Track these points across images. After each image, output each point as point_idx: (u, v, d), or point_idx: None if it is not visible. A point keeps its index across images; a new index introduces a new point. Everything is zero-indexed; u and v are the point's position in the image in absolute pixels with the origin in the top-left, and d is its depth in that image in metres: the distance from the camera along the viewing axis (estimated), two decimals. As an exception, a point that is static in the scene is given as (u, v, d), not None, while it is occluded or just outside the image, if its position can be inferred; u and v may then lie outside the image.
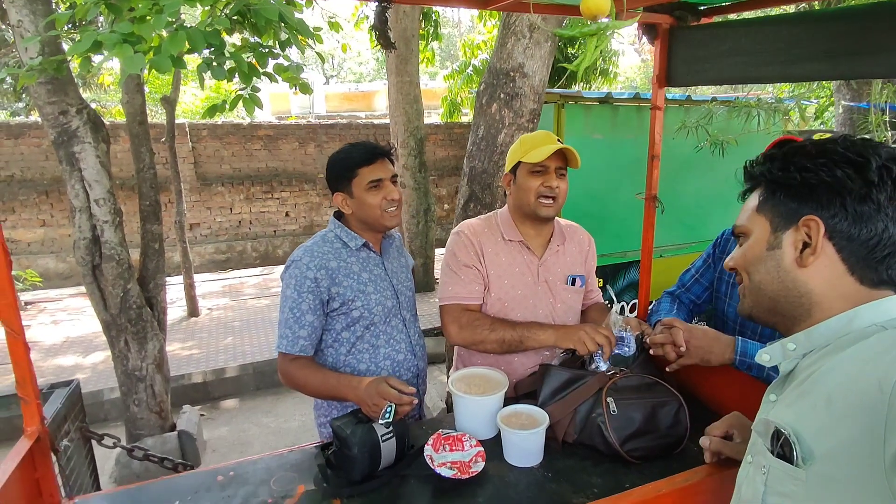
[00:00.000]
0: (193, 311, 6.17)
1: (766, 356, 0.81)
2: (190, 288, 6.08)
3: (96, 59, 2.55)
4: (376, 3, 1.50)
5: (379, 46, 7.42)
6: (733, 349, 1.43)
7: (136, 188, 3.54)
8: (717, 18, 1.74)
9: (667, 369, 1.50)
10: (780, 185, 0.79)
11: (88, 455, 2.08)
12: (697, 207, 4.26)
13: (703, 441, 1.16)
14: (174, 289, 6.58)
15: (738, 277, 0.86)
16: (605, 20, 0.76)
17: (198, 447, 3.56)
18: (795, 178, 0.76)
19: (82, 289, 7.08)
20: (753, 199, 0.83)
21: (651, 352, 1.50)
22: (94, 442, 2.06)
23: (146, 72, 3.37)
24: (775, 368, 1.37)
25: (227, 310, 6.48)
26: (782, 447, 0.72)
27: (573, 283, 1.79)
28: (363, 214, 1.65)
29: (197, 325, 5.96)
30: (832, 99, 5.87)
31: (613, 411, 1.42)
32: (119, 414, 3.90)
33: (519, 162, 1.67)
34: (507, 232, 1.74)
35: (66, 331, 5.88)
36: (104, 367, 4.77)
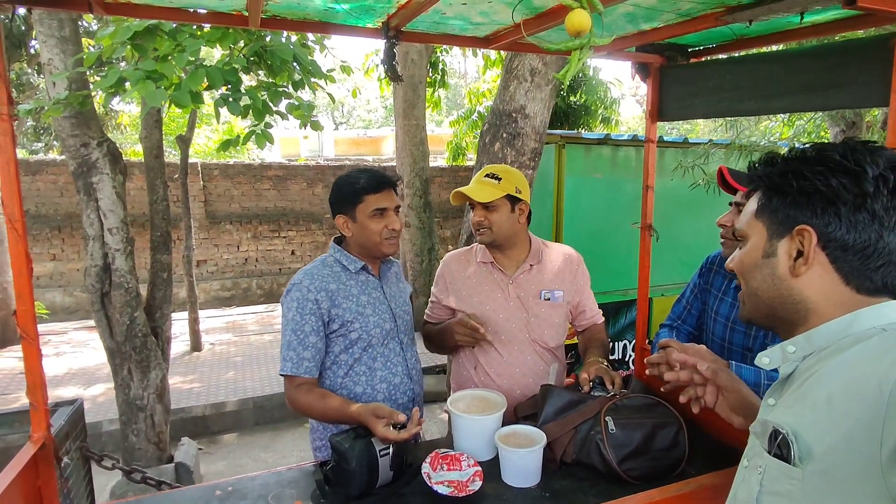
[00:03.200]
0: (196, 345, 6.18)
1: (765, 359, 0.81)
2: (194, 323, 6.11)
3: (118, 97, 2.70)
4: (385, 40, 1.62)
5: (387, 90, 7.64)
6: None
7: (149, 220, 3.65)
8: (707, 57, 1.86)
9: (661, 389, 1.51)
10: (777, 191, 0.78)
11: (87, 476, 2.07)
12: (697, 246, 4.32)
13: (693, 405, 1.16)
14: (178, 323, 6.60)
15: (737, 282, 0.87)
16: (587, 36, 0.84)
17: (194, 480, 3.51)
18: (792, 185, 0.75)
19: (88, 322, 7.12)
20: (753, 203, 0.83)
21: (647, 372, 1.52)
22: (92, 464, 2.06)
23: (166, 108, 3.54)
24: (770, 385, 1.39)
25: (229, 345, 6.48)
26: (779, 447, 0.71)
27: (547, 299, 1.87)
28: (363, 239, 1.69)
29: (199, 359, 5.95)
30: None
31: (612, 430, 1.43)
32: (117, 446, 3.87)
33: None
34: (481, 255, 1.92)
35: (68, 363, 5.88)
36: (104, 399, 4.75)
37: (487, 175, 1.81)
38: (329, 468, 1.45)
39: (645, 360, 1.56)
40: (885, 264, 0.72)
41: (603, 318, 2.01)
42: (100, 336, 3.25)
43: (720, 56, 1.79)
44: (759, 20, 1.30)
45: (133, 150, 11.03)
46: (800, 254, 0.75)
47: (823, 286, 0.75)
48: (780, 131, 5.90)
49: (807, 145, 0.80)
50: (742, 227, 0.85)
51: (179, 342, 6.28)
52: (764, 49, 1.93)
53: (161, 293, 3.53)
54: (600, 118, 9.85)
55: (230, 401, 4.78)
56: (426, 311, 2.06)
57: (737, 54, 1.73)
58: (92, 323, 3.29)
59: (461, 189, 1.79)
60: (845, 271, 0.73)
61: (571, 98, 9.13)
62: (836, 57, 1.34)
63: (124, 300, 3.15)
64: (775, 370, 1.46)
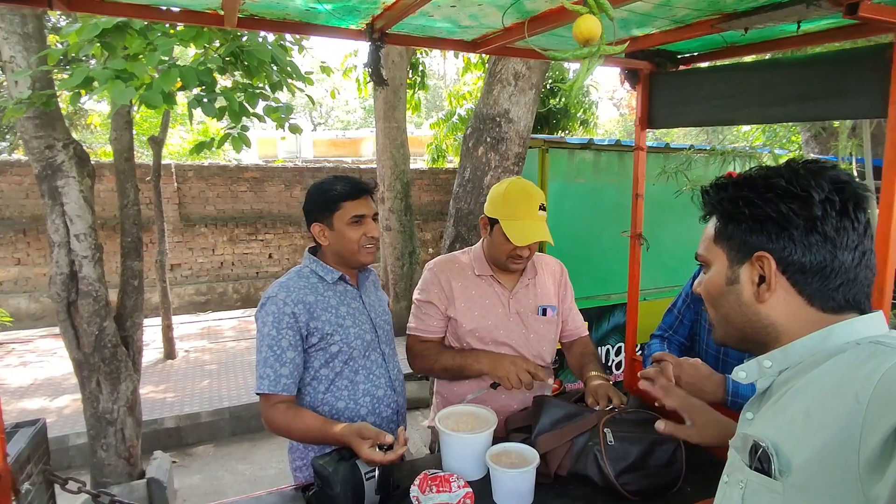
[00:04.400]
0: (170, 353, 5.99)
1: (742, 373, 0.82)
2: (167, 329, 5.92)
3: (87, 96, 2.57)
4: (369, 43, 1.55)
5: (366, 93, 7.56)
6: (725, 388, 1.41)
7: (119, 225, 3.51)
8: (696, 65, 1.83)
9: (655, 404, 1.48)
10: (730, 218, 0.79)
11: (50, 501, 1.95)
12: (679, 251, 4.34)
13: (659, 426, 1.21)
14: (151, 330, 6.40)
15: (705, 306, 0.87)
16: (595, 45, 0.79)
17: (168, 496, 3.37)
18: (744, 212, 0.77)
19: (54, 330, 6.85)
20: (710, 227, 0.84)
21: (640, 385, 1.48)
22: (57, 487, 1.94)
23: (136, 108, 3.40)
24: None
25: (204, 352, 6.30)
26: (760, 461, 0.72)
27: (544, 314, 1.82)
28: (340, 248, 1.63)
29: (172, 367, 5.77)
30: (801, 153, 6.14)
31: (610, 442, 1.39)
32: (84, 461, 3.71)
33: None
34: (478, 267, 1.79)
35: (34, 373, 5.64)
36: (70, 412, 4.56)
37: (541, 208, 1.66)
38: (312, 493, 1.38)
39: (639, 374, 1.53)
40: (844, 283, 0.73)
41: (587, 332, 1.97)
42: (66, 347, 3.10)
43: (709, 64, 1.77)
44: (755, 28, 1.28)
45: (104, 151, 10.70)
46: (762, 279, 0.76)
47: (789, 309, 0.76)
48: (753, 135, 5.99)
49: (753, 169, 0.81)
50: (702, 253, 0.86)
51: (152, 349, 6.09)
52: (754, 57, 1.92)
53: (132, 301, 3.39)
54: (579, 121, 9.92)
55: (205, 411, 4.63)
56: (414, 324, 1.84)
57: (727, 62, 1.71)
58: (59, 331, 3.13)
59: (534, 237, 1.62)
60: (808, 293, 0.75)
61: (551, 101, 9.17)
62: (833, 66, 1.33)
63: (92, 309, 3.01)
64: None
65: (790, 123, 5.26)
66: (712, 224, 0.84)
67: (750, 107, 1.51)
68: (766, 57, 1.63)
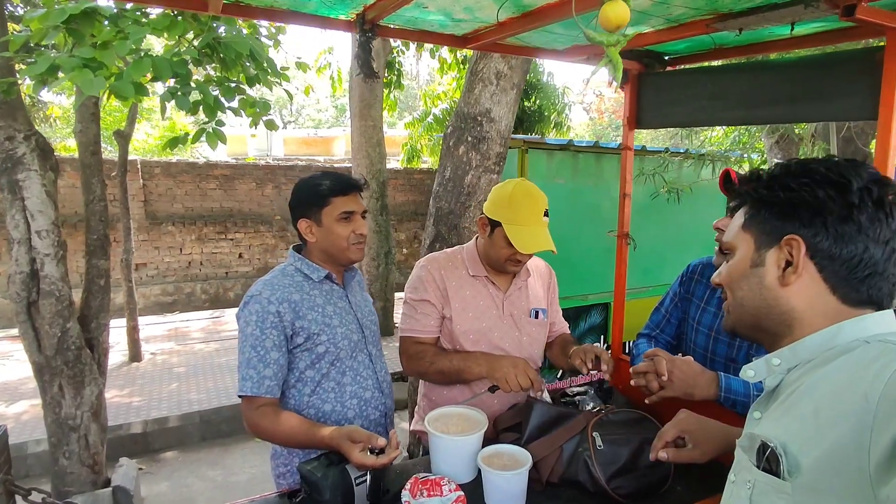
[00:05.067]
0: (136, 355, 5.78)
1: (750, 372, 0.81)
2: (133, 331, 5.71)
3: (44, 88, 2.43)
4: (359, 34, 1.51)
5: (341, 90, 7.44)
6: (717, 384, 1.41)
7: (83, 221, 3.35)
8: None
9: (646, 401, 1.47)
10: (764, 203, 0.79)
11: (11, 513, 1.84)
12: (654, 252, 4.41)
13: (662, 455, 1.18)
14: (115, 332, 6.09)
15: (722, 294, 0.87)
16: (624, 31, 0.77)
17: (134, 505, 3.24)
18: (779, 196, 0.77)
19: (12, 332, 6.53)
20: (740, 217, 0.84)
21: (633, 382, 1.47)
22: (19, 498, 1.82)
23: (104, 99, 3.25)
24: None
25: (171, 354, 6.10)
26: (768, 461, 0.71)
27: (536, 317, 1.80)
28: (328, 244, 1.58)
29: (139, 370, 5.56)
30: (765, 158, 6.33)
31: (599, 446, 1.38)
32: (44, 469, 3.53)
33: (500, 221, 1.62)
34: (473, 267, 1.74)
35: (-12, 377, 5.36)
36: (29, 417, 4.35)
37: (545, 213, 1.61)
38: (299, 500, 1.33)
39: (631, 369, 1.52)
40: (871, 275, 0.73)
41: (568, 329, 1.97)
42: (26, 350, 2.93)
43: (697, 65, 1.79)
44: (749, 29, 1.29)
45: (64, 146, 10.27)
46: (788, 263, 0.76)
47: (810, 295, 0.75)
48: (722, 140, 6.15)
49: (791, 161, 0.81)
50: (729, 240, 0.85)
51: (116, 352, 5.85)
52: (742, 59, 1.95)
53: (97, 301, 3.24)
54: (553, 124, 10.02)
55: (173, 415, 4.47)
56: (408, 325, 1.76)
57: (716, 63, 1.73)
58: (16, 332, 2.96)
59: (540, 246, 1.56)
60: (832, 281, 0.74)
61: (526, 103, 9.22)
62: (822, 68, 1.35)
63: (55, 310, 2.86)
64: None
65: (753, 129, 5.42)
66: (741, 213, 0.83)
67: (738, 108, 1.53)
68: (758, 58, 1.65)
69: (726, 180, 1.43)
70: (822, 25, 1.36)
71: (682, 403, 1.51)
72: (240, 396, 1.50)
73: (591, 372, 1.61)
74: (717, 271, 0.88)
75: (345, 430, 1.34)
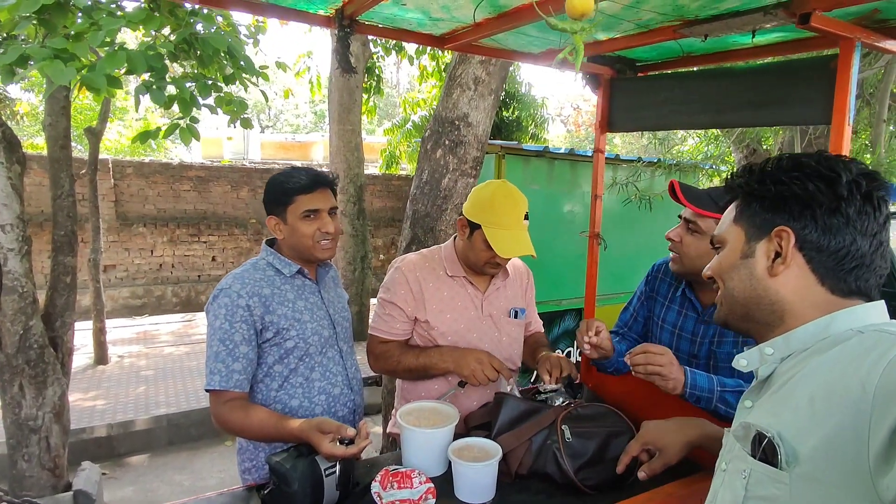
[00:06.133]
0: (102, 358, 5.62)
1: (743, 361, 0.82)
2: (100, 333, 5.56)
3: (9, 83, 2.38)
4: (337, 30, 1.52)
5: (320, 94, 7.40)
6: (683, 382, 1.44)
7: (49, 219, 3.27)
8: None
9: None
10: (755, 196, 0.81)
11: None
12: (626, 258, 4.50)
13: (641, 476, 1.22)
14: (81, 334, 5.95)
15: (714, 285, 0.88)
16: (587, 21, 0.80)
17: (96, 510, 3.14)
18: (770, 189, 0.79)
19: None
20: (731, 211, 0.86)
21: (634, 371, 1.46)
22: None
23: (75, 93, 3.19)
24: (724, 399, 1.41)
25: (139, 357, 5.95)
26: (765, 451, 0.71)
27: (516, 316, 1.81)
28: (294, 242, 1.57)
29: (104, 373, 5.41)
30: (735, 169, 6.50)
31: (568, 438, 1.40)
32: (2, 473, 3.40)
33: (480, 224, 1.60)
34: (451, 268, 1.72)
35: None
36: (-13, 420, 4.19)
37: (526, 217, 1.61)
38: (267, 492, 1.31)
39: (625, 358, 1.51)
40: (858, 266, 0.75)
41: (542, 329, 2.00)
42: (-15, 348, 2.84)
43: (667, 71, 1.85)
44: (714, 35, 1.34)
45: (31, 143, 9.99)
46: (777, 255, 0.77)
47: (799, 286, 0.77)
48: (694, 151, 6.32)
49: (783, 155, 0.83)
50: (720, 234, 0.87)
51: (81, 354, 5.68)
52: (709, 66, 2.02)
53: (63, 299, 3.16)
54: (530, 134, 10.15)
55: (140, 419, 4.36)
56: (376, 324, 1.76)
57: (683, 70, 1.79)
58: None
59: (520, 250, 1.57)
60: (820, 272, 0.76)
61: (504, 113, 9.33)
62: (782, 76, 1.41)
63: (17, 307, 2.78)
64: (735, 376, 1.48)
65: (723, 143, 5.59)
66: (733, 207, 0.85)
67: (705, 112, 1.59)
68: (724, 66, 1.71)
69: (673, 191, 1.50)
70: (781, 35, 1.43)
71: (650, 400, 1.55)
72: (207, 390, 1.47)
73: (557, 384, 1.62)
74: (708, 265, 0.89)
75: (314, 421, 1.34)
